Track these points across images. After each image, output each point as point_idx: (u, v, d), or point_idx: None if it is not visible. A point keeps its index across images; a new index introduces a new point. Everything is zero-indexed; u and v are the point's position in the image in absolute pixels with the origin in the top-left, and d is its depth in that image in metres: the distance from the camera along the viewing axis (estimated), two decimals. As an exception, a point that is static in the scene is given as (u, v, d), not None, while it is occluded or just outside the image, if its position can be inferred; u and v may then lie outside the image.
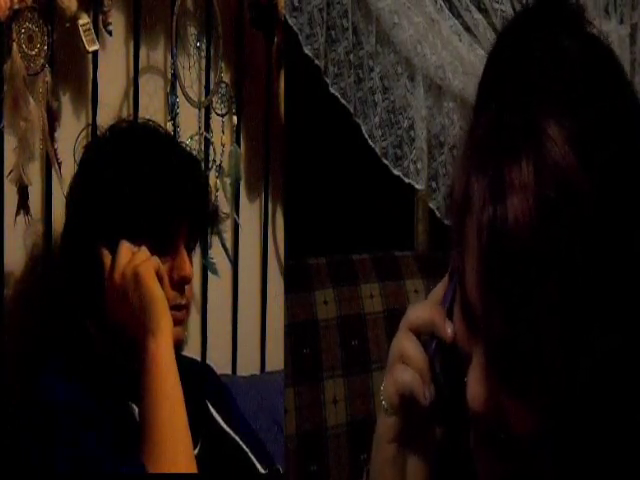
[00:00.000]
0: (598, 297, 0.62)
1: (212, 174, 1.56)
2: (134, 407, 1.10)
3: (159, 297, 1.09)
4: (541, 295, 0.61)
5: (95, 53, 1.36)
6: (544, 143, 0.62)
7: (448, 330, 0.73)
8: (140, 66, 1.47)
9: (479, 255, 0.63)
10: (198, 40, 1.55)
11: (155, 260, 1.11)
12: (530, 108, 0.64)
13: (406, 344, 0.77)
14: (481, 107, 0.70)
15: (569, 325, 0.62)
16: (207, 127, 1.57)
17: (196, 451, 1.12)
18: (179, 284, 1.15)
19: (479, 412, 0.68)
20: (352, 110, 1.73)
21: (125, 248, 1.11)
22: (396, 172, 1.78)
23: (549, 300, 0.61)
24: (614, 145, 0.63)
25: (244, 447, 1.23)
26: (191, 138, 1.53)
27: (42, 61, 1.27)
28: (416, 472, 0.81)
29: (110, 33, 1.37)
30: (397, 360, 0.77)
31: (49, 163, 1.32)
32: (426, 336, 0.77)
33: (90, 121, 1.38)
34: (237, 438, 1.24)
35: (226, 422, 1.26)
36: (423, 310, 0.77)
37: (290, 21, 1.64)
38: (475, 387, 0.68)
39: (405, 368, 0.76)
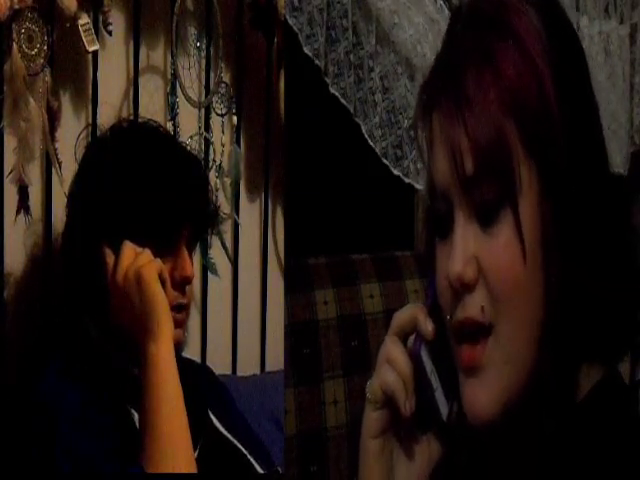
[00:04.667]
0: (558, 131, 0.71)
1: (212, 174, 1.56)
2: (133, 412, 1.10)
3: (161, 300, 1.08)
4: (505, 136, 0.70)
5: (95, 53, 1.36)
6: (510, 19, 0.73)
7: (429, 327, 0.77)
8: (140, 66, 1.47)
9: (444, 123, 0.72)
10: (198, 40, 1.55)
11: (158, 262, 1.11)
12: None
13: (390, 347, 0.80)
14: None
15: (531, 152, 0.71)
16: (207, 127, 1.57)
17: (195, 454, 1.11)
18: (180, 284, 1.15)
19: (461, 280, 0.71)
20: (352, 110, 1.73)
21: (128, 249, 1.11)
22: (396, 172, 1.78)
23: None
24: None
25: (243, 450, 1.23)
26: (191, 138, 1.53)
27: (42, 61, 1.27)
28: (402, 469, 0.82)
29: (110, 33, 1.37)
30: (383, 362, 0.80)
31: (49, 163, 1.32)
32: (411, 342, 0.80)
33: (90, 121, 1.38)
34: (235, 441, 1.24)
35: (225, 424, 1.25)
36: (406, 309, 0.81)
37: (290, 21, 1.64)
38: (454, 262, 0.72)
39: (390, 368, 0.79)
